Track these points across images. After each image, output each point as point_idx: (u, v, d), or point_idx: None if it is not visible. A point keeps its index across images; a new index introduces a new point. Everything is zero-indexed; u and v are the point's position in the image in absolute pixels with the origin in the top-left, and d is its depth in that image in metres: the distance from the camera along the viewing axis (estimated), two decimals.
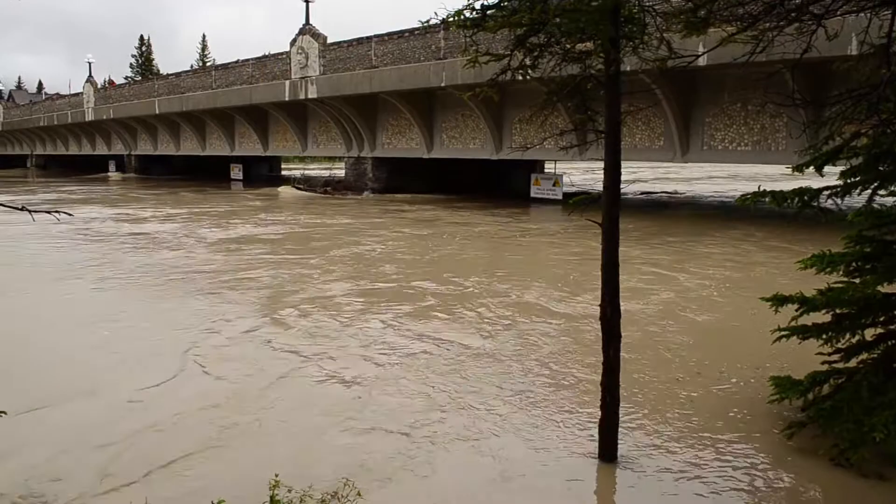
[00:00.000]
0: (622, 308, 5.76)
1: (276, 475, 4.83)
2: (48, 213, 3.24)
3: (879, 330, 6.29)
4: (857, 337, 6.34)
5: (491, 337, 9.68)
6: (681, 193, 40.00)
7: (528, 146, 7.78)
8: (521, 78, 5.81)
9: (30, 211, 3.05)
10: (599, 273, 5.69)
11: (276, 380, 8.07)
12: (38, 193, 42.28)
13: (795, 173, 6.49)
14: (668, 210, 30.49)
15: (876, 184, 6.16)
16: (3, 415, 4.10)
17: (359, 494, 5.01)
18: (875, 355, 6.28)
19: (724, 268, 15.08)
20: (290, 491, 4.73)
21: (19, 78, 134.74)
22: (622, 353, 5.83)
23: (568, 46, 5.43)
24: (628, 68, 6.95)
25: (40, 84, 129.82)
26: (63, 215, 3.27)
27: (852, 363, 6.38)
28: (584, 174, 48.40)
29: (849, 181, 6.20)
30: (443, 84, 28.91)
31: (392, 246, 18.65)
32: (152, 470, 5.85)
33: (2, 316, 11.39)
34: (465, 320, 10.60)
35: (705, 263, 15.74)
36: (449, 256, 17.06)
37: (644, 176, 52.82)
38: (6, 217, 17.76)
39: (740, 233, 20.68)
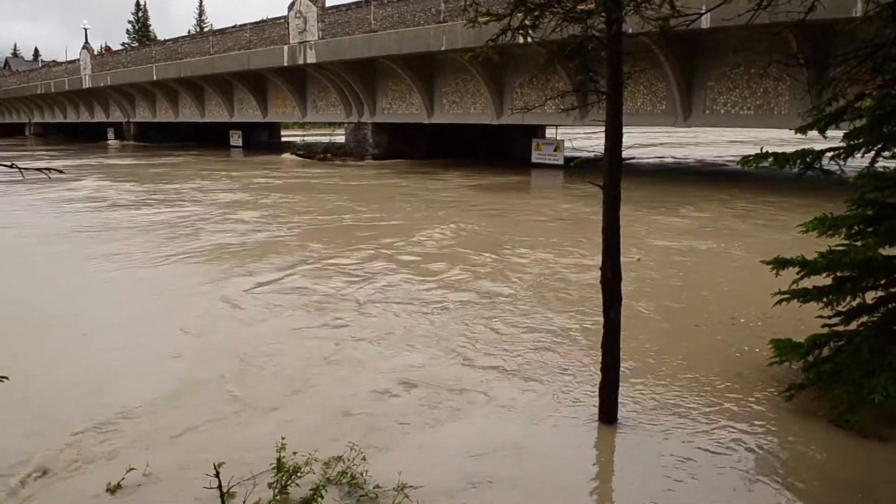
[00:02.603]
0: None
1: (283, 438, 4.89)
2: (38, 170, 3.22)
3: (880, 293, 6.28)
4: (857, 300, 6.35)
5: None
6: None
7: (529, 108, 7.67)
8: (521, 39, 5.73)
9: (20, 168, 3.03)
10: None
11: None
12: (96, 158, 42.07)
13: (799, 135, 6.45)
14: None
15: (879, 146, 6.11)
16: (4, 380, 4.11)
17: (363, 459, 5.06)
18: (875, 318, 6.28)
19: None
20: (294, 454, 4.78)
21: (15, 45, 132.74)
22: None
23: (569, 6, 5.35)
24: (630, 30, 6.86)
25: (36, 51, 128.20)
26: (55, 173, 3.25)
27: (853, 326, 6.39)
28: (587, 140, 48.10)
29: (852, 143, 6.16)
30: (443, 48, 28.60)
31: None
32: None
33: None
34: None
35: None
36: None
37: (662, 141, 52.21)
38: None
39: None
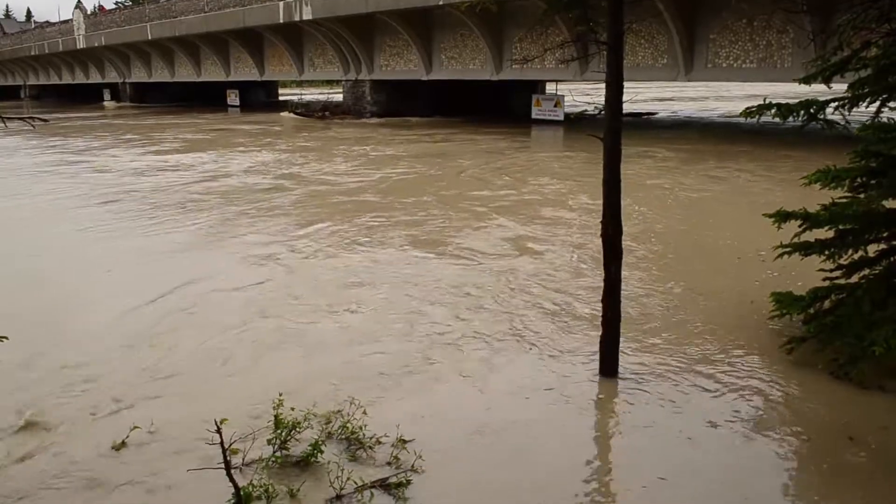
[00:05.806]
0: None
1: (280, 394, 4.89)
2: (21, 118, 3.18)
3: (882, 246, 6.24)
4: (859, 253, 6.31)
5: None
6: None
7: (529, 59, 7.55)
8: None
9: (2, 118, 2.99)
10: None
11: None
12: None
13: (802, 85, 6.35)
14: None
15: (885, 96, 6.01)
16: (4, 340, 4.11)
17: (364, 412, 5.06)
18: (877, 271, 6.25)
19: None
20: (292, 409, 4.78)
21: (7, 6, 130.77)
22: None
23: None
24: None
25: (29, 12, 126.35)
26: (38, 122, 3.20)
27: (854, 279, 6.36)
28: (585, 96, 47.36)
29: (857, 93, 6.06)
30: (441, 2, 28.10)
31: None
32: None
33: None
34: None
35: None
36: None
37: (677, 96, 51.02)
38: None
39: None
